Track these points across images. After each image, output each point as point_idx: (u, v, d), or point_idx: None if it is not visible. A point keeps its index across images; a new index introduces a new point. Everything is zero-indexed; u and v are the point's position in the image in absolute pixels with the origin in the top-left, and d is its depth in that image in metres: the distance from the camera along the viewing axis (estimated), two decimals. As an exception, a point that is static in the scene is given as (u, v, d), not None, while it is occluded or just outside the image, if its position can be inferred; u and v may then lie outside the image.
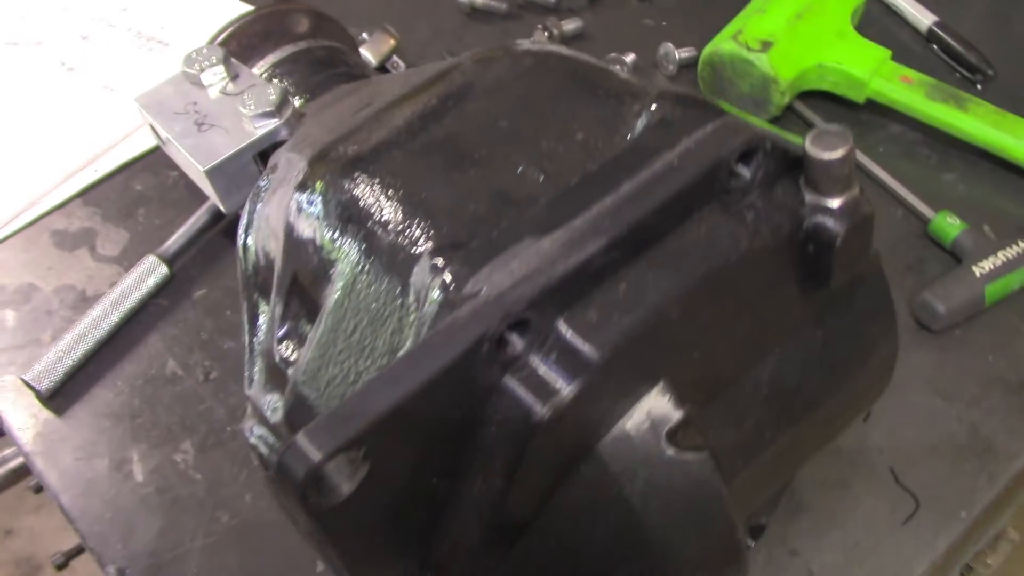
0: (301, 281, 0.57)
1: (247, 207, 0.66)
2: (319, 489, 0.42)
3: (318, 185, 0.56)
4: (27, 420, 0.90)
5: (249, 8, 0.91)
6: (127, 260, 0.98)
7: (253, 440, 0.57)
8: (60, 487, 0.86)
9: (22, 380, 0.89)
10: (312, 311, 0.56)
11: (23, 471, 1.49)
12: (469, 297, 0.46)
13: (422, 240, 0.50)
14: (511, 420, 0.46)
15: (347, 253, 0.53)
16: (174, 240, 0.96)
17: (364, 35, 1.08)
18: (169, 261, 0.95)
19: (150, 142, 1.07)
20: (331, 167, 0.56)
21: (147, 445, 0.87)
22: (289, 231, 0.58)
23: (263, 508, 0.83)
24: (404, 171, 0.54)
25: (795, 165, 0.52)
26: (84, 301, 0.96)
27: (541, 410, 0.46)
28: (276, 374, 0.58)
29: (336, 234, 0.54)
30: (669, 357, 0.50)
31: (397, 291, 0.50)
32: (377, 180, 0.53)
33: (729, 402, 0.55)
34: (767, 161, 0.50)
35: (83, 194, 1.04)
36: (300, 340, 0.57)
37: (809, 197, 0.51)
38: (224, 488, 0.84)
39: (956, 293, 0.86)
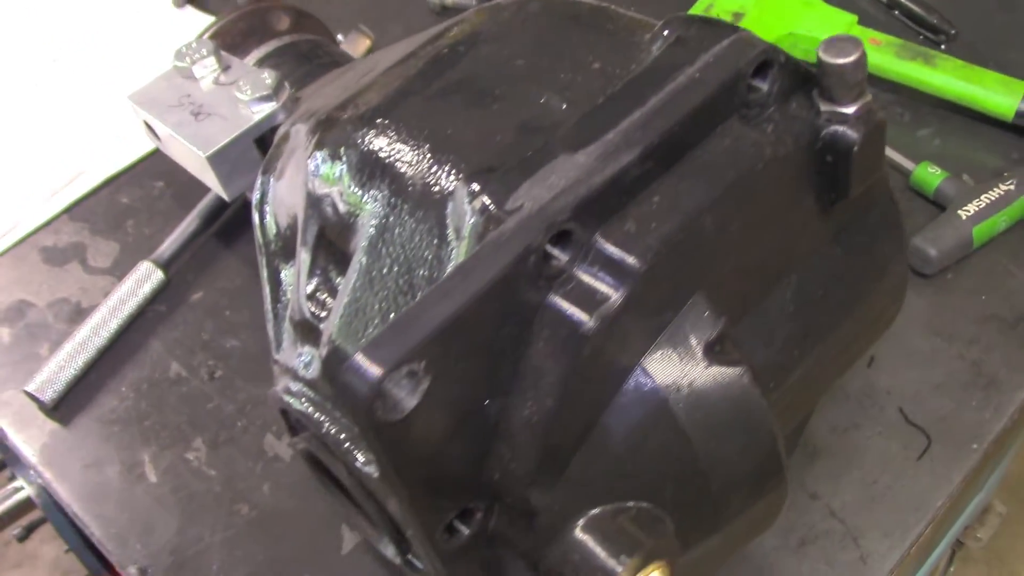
0: (328, 235, 0.57)
1: (259, 182, 0.66)
2: (384, 405, 0.42)
3: (336, 140, 0.57)
4: (32, 433, 0.89)
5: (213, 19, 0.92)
6: (120, 270, 0.98)
7: (288, 398, 0.57)
8: (71, 496, 0.85)
9: (25, 392, 0.88)
10: (342, 261, 0.57)
11: (5, 519, 1.46)
12: (511, 213, 0.47)
13: (453, 173, 0.51)
14: (559, 335, 0.47)
15: (376, 199, 0.54)
16: (167, 245, 0.96)
17: (340, 36, 1.09)
18: (164, 266, 0.95)
19: (132, 156, 1.07)
20: (349, 122, 0.57)
21: (157, 446, 0.86)
22: (311, 191, 0.58)
23: (282, 497, 0.83)
24: (424, 113, 0.55)
25: (807, 80, 0.53)
26: (79, 313, 0.95)
27: (588, 321, 0.46)
28: (307, 330, 0.58)
29: (362, 184, 0.55)
30: (704, 270, 0.51)
31: (432, 227, 0.51)
32: (399, 124, 0.54)
33: (758, 320, 0.56)
34: (782, 74, 0.52)
35: (69, 210, 1.04)
36: (331, 290, 0.57)
37: (824, 107, 0.52)
38: (240, 481, 0.84)
39: (945, 237, 0.89)
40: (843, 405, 0.83)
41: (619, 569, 0.50)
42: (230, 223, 1.00)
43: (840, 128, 0.52)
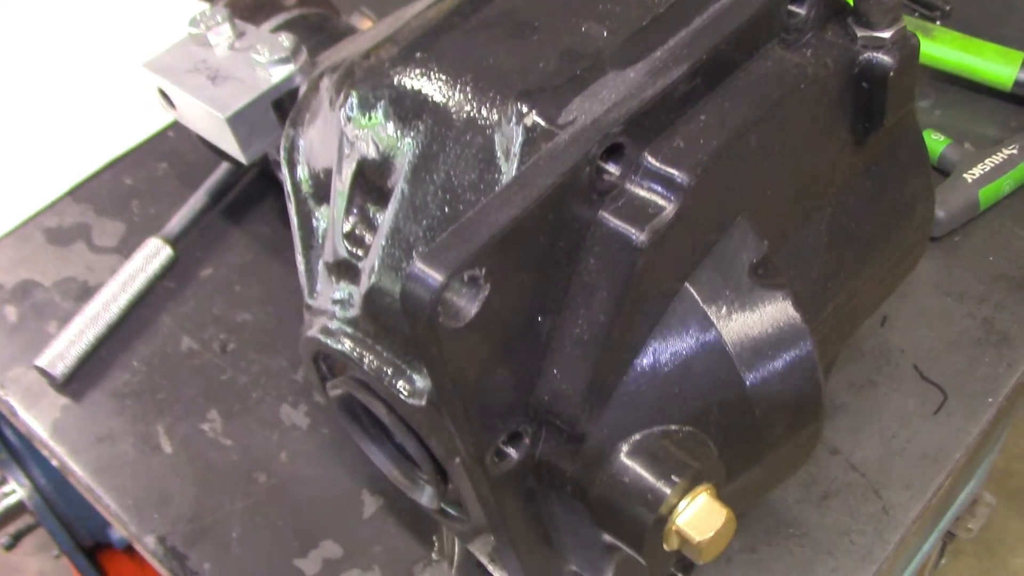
0: (366, 172, 0.57)
1: (286, 133, 0.66)
2: (444, 312, 0.42)
3: (372, 80, 0.57)
4: (43, 409, 0.88)
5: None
6: (127, 249, 0.97)
7: (326, 339, 0.57)
8: (85, 471, 0.84)
9: (36, 367, 0.87)
10: (381, 197, 0.57)
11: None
12: (564, 127, 0.47)
13: (500, 98, 0.51)
14: (611, 250, 0.47)
15: (418, 131, 0.54)
16: (176, 222, 0.95)
17: (343, 18, 1.10)
18: (172, 242, 0.94)
19: (134, 139, 1.07)
20: (384, 61, 0.57)
21: (172, 418, 0.86)
22: (346, 135, 0.58)
23: (301, 465, 0.82)
24: (464, 46, 0.55)
25: (841, 9, 0.54)
26: (87, 292, 0.95)
27: (640, 235, 0.47)
28: (344, 269, 0.58)
29: (402, 119, 0.55)
30: (748, 191, 0.51)
31: (478, 152, 0.51)
32: (439, 57, 0.54)
33: (795, 250, 0.57)
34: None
35: (72, 192, 1.03)
36: (369, 226, 0.57)
37: (861, 33, 0.53)
38: (257, 450, 0.83)
39: (952, 199, 0.90)
40: (859, 363, 0.84)
41: (668, 491, 0.50)
42: (239, 201, 1.00)
43: (876, 54, 0.53)
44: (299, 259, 0.63)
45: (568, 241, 0.47)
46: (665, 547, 0.52)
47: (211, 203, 0.97)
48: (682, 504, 0.50)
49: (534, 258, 0.45)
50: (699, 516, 0.50)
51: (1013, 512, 2.06)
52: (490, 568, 0.66)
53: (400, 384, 0.54)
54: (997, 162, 0.92)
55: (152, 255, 0.93)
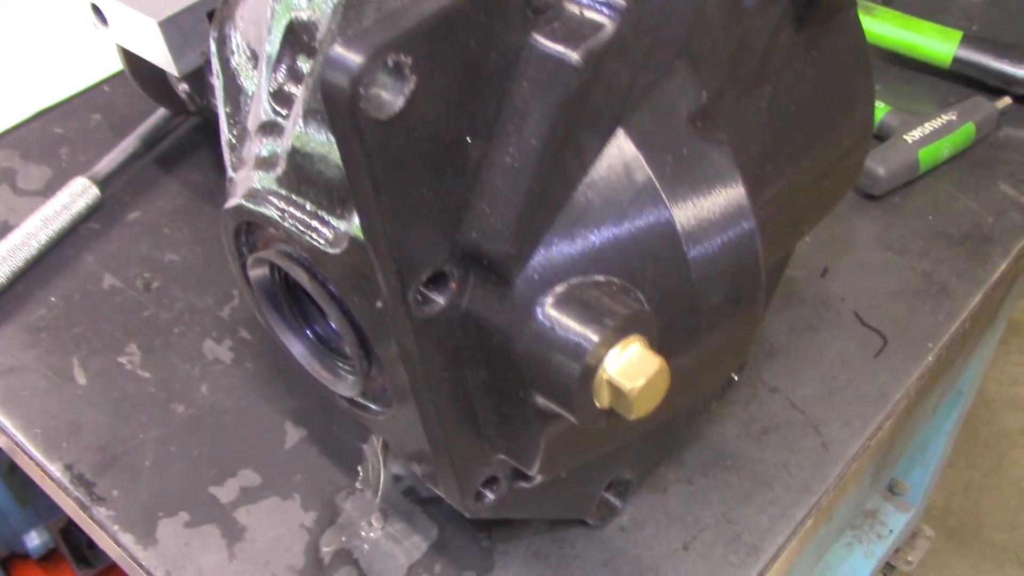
0: (296, 29, 0.55)
1: (216, 24, 0.64)
2: (369, 102, 0.40)
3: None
4: (-50, 341, 0.83)
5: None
6: (52, 192, 0.93)
7: (249, 203, 0.54)
8: (-9, 403, 0.79)
9: (-54, 296, 0.83)
10: (311, 52, 0.55)
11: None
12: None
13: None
14: (544, 71, 0.46)
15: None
16: (105, 163, 0.92)
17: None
18: (100, 183, 0.91)
19: (66, 91, 1.04)
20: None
21: (88, 351, 0.82)
22: (275, 7, 0.56)
23: (221, 397, 0.79)
24: None
25: None
26: (7, 231, 0.91)
27: (574, 55, 0.45)
28: (270, 130, 0.56)
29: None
30: (687, 35, 0.50)
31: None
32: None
33: (734, 124, 0.55)
34: None
35: (-3, 139, 1.00)
36: (298, 79, 0.55)
37: None
38: (177, 382, 0.80)
39: (893, 158, 0.90)
40: (798, 309, 0.83)
41: (596, 338, 0.47)
42: (172, 150, 0.97)
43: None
44: (224, 137, 0.60)
45: (500, 57, 0.45)
46: (596, 403, 0.49)
47: (143, 148, 0.95)
48: (613, 353, 0.48)
49: (464, 64, 0.43)
50: (631, 364, 0.48)
51: (952, 550, 2.05)
52: (416, 471, 0.63)
53: (320, 234, 0.51)
54: (937, 126, 0.92)
55: (78, 194, 0.90)
